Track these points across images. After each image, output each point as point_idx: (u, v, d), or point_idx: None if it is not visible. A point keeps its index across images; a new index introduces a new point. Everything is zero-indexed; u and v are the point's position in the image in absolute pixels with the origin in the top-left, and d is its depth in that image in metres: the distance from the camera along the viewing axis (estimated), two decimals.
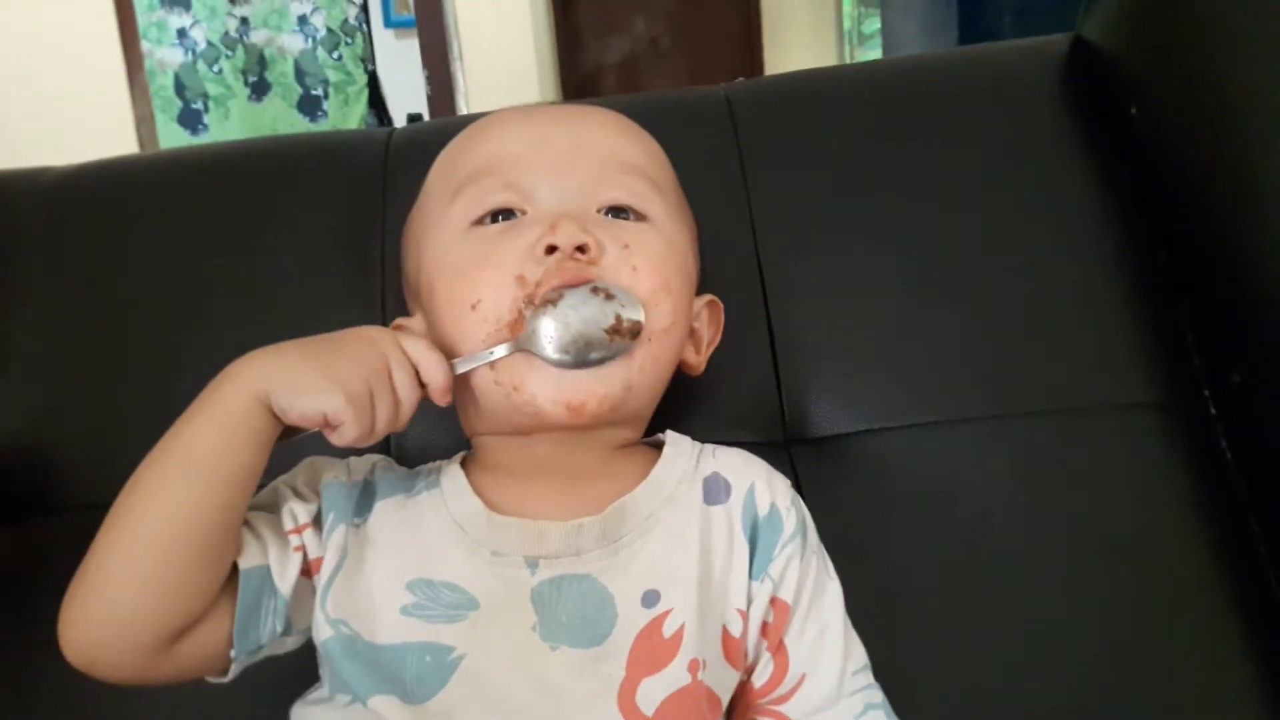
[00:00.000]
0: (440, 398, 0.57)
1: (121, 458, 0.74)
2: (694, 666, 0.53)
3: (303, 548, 0.56)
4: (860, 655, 0.59)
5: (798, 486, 0.71)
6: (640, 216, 0.61)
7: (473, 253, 0.59)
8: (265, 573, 0.54)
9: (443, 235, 0.62)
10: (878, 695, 0.58)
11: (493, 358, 0.56)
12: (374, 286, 0.76)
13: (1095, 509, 0.71)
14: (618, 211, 0.61)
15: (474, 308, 0.57)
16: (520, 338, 0.56)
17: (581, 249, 0.57)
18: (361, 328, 0.57)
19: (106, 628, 0.51)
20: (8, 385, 0.76)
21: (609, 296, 0.56)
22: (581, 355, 0.56)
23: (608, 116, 0.67)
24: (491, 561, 0.56)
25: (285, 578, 0.55)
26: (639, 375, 0.58)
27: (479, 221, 0.61)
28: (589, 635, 0.54)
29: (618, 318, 0.56)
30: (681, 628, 0.54)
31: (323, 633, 0.55)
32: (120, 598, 0.50)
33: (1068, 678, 0.66)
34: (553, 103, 0.72)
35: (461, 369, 0.57)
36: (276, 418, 0.53)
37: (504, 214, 0.60)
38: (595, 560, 0.56)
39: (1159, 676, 0.67)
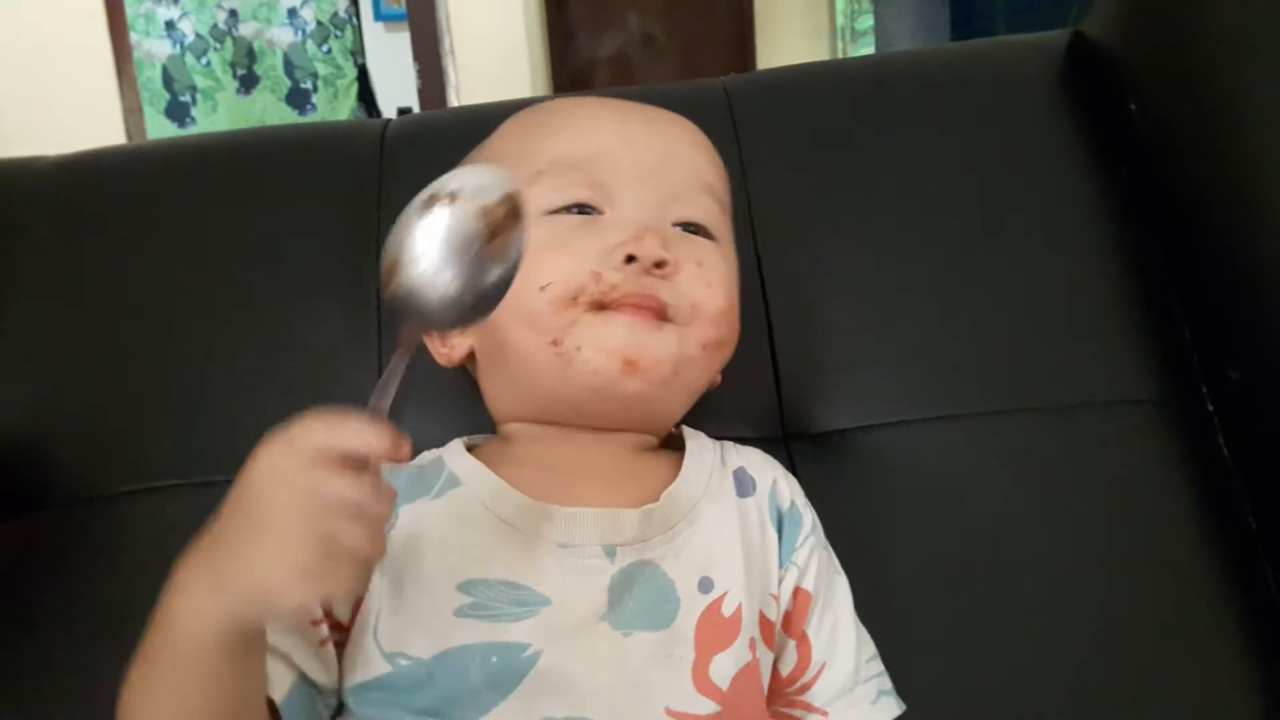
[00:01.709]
0: (399, 454, 0.43)
1: (115, 451, 0.74)
2: (753, 645, 0.55)
3: (324, 623, 0.53)
4: (870, 644, 0.61)
5: (796, 482, 0.71)
6: (710, 237, 0.63)
7: (550, 238, 0.59)
8: (304, 685, 0.51)
9: None
10: (888, 682, 0.60)
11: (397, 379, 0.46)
12: (369, 277, 0.76)
13: (1092, 505, 0.71)
14: (689, 227, 0.62)
15: (542, 289, 0.57)
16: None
17: (659, 264, 0.58)
18: (255, 469, 0.43)
19: None
20: (2, 378, 0.75)
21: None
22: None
23: (692, 130, 0.67)
24: (560, 554, 0.55)
25: (328, 672, 0.52)
26: (686, 366, 0.59)
27: (555, 211, 0.61)
28: (657, 619, 0.54)
29: None
30: (739, 607, 0.55)
31: (375, 670, 0.52)
32: None
33: (1063, 672, 0.66)
34: (563, 93, 0.71)
35: (383, 401, 0.45)
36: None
37: (581, 208, 0.61)
38: (657, 547, 0.56)
39: (1155, 670, 0.67)
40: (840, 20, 3.73)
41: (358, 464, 0.42)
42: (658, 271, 0.58)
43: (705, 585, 0.56)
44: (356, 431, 0.42)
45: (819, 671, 0.59)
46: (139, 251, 0.79)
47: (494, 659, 0.51)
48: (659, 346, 0.57)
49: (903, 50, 1.74)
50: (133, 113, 2.53)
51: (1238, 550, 0.70)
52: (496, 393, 0.64)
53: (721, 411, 0.74)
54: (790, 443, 0.74)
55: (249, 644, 0.44)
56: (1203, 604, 0.68)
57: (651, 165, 0.62)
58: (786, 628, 0.59)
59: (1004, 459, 0.72)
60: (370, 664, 0.52)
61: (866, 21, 3.54)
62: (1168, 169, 0.76)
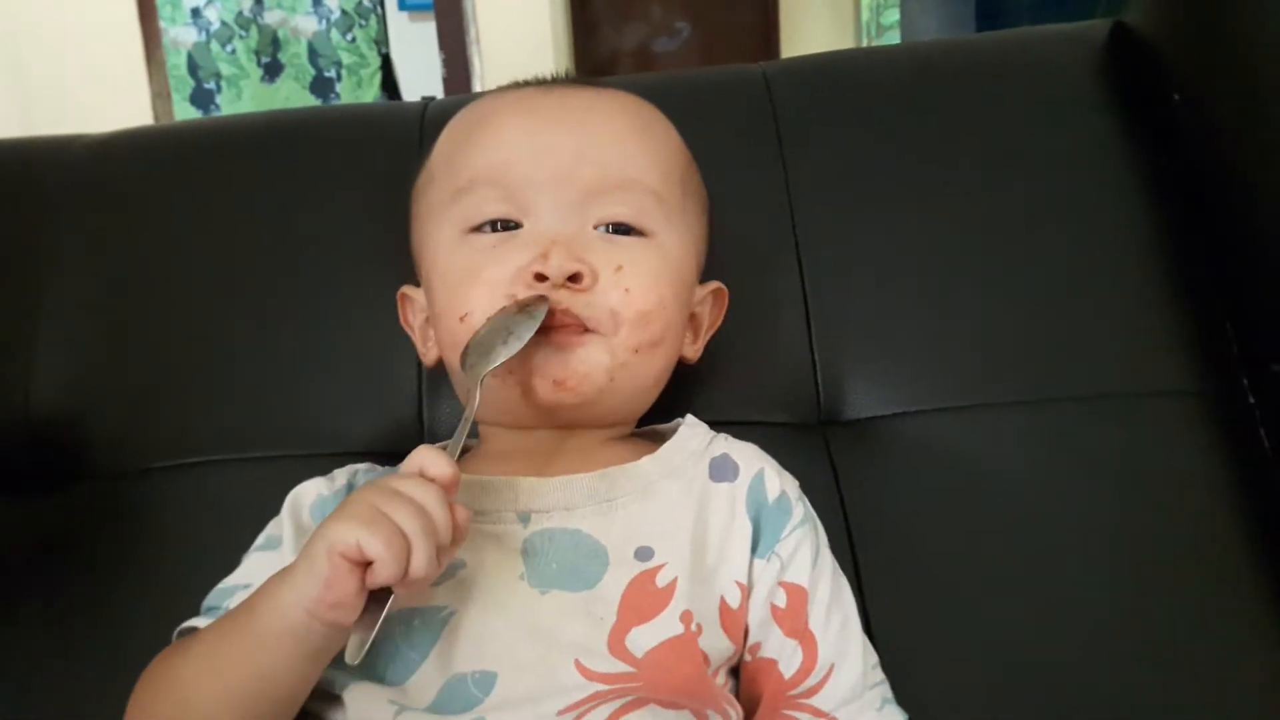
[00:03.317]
0: (453, 488, 0.51)
1: (153, 426, 0.75)
2: (687, 618, 0.54)
3: None
4: (872, 651, 0.60)
5: (832, 469, 0.71)
6: (641, 233, 0.62)
7: (466, 266, 0.60)
8: None
9: (441, 235, 0.63)
10: (889, 690, 0.59)
11: (471, 416, 0.56)
12: (407, 256, 0.75)
13: (1130, 495, 0.70)
14: (615, 226, 0.61)
15: (463, 319, 0.59)
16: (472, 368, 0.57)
17: (573, 277, 0.57)
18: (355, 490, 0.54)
19: None
20: (43, 353, 0.76)
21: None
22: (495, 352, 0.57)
23: (614, 115, 0.65)
24: (477, 520, 0.57)
25: None
26: (621, 372, 0.59)
27: (476, 228, 0.61)
28: (579, 580, 0.55)
29: None
30: (674, 581, 0.55)
31: None
32: None
33: (1099, 661, 0.65)
34: (567, 78, 0.70)
35: (455, 450, 0.54)
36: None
37: (499, 224, 0.61)
38: (587, 516, 0.57)
39: (1192, 662, 0.66)
40: (865, 15, 3.71)
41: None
42: (574, 285, 0.57)
43: (643, 554, 0.56)
44: (432, 459, 0.51)
45: (828, 673, 0.57)
46: (177, 230, 0.80)
47: (415, 622, 0.54)
48: (586, 360, 0.58)
49: (943, 38, 1.72)
50: (161, 98, 2.55)
51: (1276, 541, 0.69)
52: (462, 398, 0.67)
53: (757, 397, 0.74)
54: (826, 429, 0.73)
55: (312, 636, 0.49)
56: (1241, 595, 0.67)
57: (565, 167, 0.60)
58: (783, 625, 0.58)
59: (1041, 448, 0.72)
60: None
61: (892, 16, 3.52)
62: (1210, 160, 0.76)
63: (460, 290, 0.60)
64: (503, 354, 0.55)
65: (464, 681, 0.52)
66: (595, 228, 0.61)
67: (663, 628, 0.54)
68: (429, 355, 0.68)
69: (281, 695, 0.51)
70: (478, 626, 0.53)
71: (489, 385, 0.57)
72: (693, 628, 0.54)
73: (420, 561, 0.47)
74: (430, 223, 0.64)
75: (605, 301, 0.58)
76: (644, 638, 0.53)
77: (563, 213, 0.60)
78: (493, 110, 0.66)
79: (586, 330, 0.58)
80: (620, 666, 0.52)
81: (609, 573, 0.55)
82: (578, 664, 0.52)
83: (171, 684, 0.52)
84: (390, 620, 0.53)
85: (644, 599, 0.54)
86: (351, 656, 0.47)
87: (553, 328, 0.58)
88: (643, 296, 0.59)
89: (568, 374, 0.58)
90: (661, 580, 0.55)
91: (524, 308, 0.57)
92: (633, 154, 0.63)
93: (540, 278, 0.57)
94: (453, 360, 0.61)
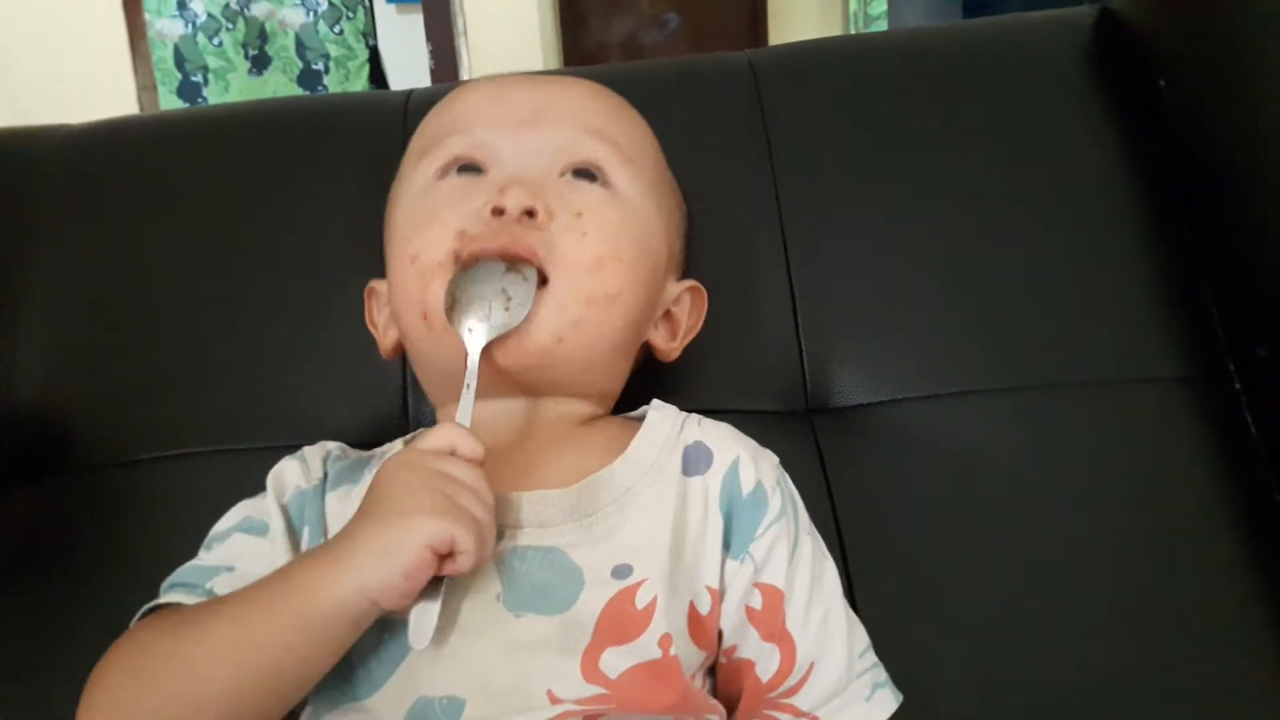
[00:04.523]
0: (482, 466, 0.52)
1: (137, 418, 0.75)
2: (666, 642, 0.52)
3: None
4: (862, 636, 0.57)
5: (819, 457, 0.71)
6: (605, 183, 0.61)
7: (426, 210, 0.59)
8: None
9: (409, 192, 0.62)
10: (882, 674, 0.57)
11: (473, 384, 0.54)
12: None
13: (1117, 482, 0.70)
14: (581, 174, 0.60)
15: (412, 261, 0.58)
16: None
17: (529, 213, 0.56)
18: (384, 471, 0.52)
19: None
20: (25, 344, 0.75)
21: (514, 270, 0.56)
22: (494, 315, 0.55)
23: (582, 83, 0.66)
24: None
25: None
26: (573, 330, 0.56)
27: (444, 174, 0.61)
28: (554, 602, 0.52)
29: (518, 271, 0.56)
30: (654, 600, 0.52)
31: None
32: None
33: (1087, 648, 0.66)
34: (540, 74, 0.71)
35: (464, 420, 0.53)
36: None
37: (469, 168, 0.60)
38: (565, 534, 0.54)
39: (1179, 649, 0.66)
40: (853, 5, 3.70)
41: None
42: (529, 221, 0.56)
43: (621, 572, 0.53)
44: (462, 437, 0.51)
45: (808, 672, 0.54)
46: (161, 219, 0.79)
47: (385, 635, 0.51)
48: (531, 320, 0.56)
49: (929, 25, 1.72)
50: (147, 90, 2.54)
51: (1264, 527, 0.69)
52: (423, 379, 0.65)
53: (743, 384, 0.74)
54: (813, 417, 0.73)
55: (365, 620, 0.49)
56: (1227, 581, 0.68)
57: (527, 115, 0.61)
58: (760, 628, 0.55)
59: (1028, 435, 0.72)
60: None
61: (879, 7, 3.51)
62: (1196, 145, 0.76)
63: (414, 232, 0.58)
64: (504, 320, 0.54)
65: (431, 705, 0.50)
66: (560, 176, 0.60)
67: (640, 651, 0.51)
68: (387, 340, 0.66)
69: (305, 676, 0.50)
70: (449, 649, 0.51)
71: (422, 339, 0.56)
72: (671, 652, 0.52)
73: (490, 548, 0.48)
74: (398, 199, 0.64)
75: (561, 241, 0.57)
76: (618, 659, 0.51)
77: (526, 159, 0.60)
78: (459, 87, 0.67)
79: (533, 265, 0.56)
80: (592, 689, 0.50)
81: (585, 593, 0.52)
82: (550, 694, 0.50)
83: (169, 667, 0.50)
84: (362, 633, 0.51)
85: (622, 620, 0.52)
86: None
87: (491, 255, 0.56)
88: (599, 242, 0.57)
89: (508, 340, 0.55)
90: (641, 600, 0.52)
91: (512, 266, 0.55)
92: (600, 111, 0.63)
93: (497, 212, 0.56)
94: (408, 322, 0.59)
